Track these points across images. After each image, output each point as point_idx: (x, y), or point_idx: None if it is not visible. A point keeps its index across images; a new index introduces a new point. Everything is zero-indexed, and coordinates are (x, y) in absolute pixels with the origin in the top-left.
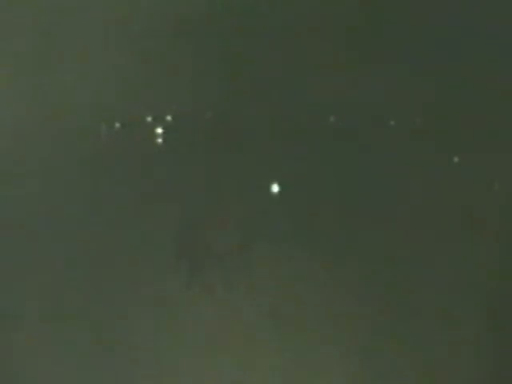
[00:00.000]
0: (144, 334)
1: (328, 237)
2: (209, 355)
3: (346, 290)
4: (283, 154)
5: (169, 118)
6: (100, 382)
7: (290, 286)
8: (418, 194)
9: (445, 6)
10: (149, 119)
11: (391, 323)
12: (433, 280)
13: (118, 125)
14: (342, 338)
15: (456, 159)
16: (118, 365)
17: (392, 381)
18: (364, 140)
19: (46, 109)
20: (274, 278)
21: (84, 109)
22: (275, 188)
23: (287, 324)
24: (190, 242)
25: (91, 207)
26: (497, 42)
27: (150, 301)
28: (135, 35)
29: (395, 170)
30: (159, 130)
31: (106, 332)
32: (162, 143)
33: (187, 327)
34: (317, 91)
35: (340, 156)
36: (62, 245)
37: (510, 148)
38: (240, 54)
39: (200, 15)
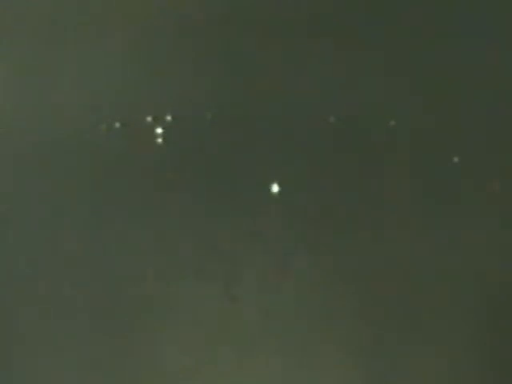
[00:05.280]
0: (144, 334)
1: (328, 237)
2: (209, 356)
3: (347, 291)
4: (283, 154)
5: (169, 117)
6: (100, 382)
7: (289, 287)
8: (418, 193)
9: (446, 6)
10: (149, 119)
11: (392, 325)
12: (433, 278)
13: (117, 125)
14: (344, 340)
15: (456, 159)
16: (119, 365)
17: (392, 381)
18: (364, 140)
19: (45, 108)
20: (274, 278)
21: (84, 109)
22: (275, 188)
23: (287, 325)
24: (190, 242)
25: (91, 207)
26: (497, 42)
27: (151, 302)
28: (135, 35)
29: (395, 169)
30: (159, 130)
31: (106, 333)
32: (162, 143)
33: (187, 328)
34: (317, 91)
35: (340, 156)
36: (62, 245)
37: (510, 148)
38: (240, 53)
39: (200, 15)
